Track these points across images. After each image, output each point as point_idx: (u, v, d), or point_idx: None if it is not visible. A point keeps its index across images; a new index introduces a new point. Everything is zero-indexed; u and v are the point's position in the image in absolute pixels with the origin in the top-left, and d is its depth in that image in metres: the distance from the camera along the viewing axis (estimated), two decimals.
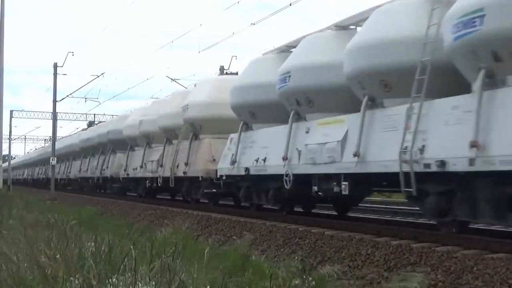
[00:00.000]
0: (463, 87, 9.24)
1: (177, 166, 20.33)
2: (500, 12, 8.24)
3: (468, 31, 8.58)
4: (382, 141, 10.53)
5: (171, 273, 5.36)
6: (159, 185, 22.50)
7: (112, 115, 42.40)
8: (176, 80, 36.54)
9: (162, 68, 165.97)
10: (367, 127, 10.97)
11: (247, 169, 15.16)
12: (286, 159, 13.36)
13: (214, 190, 18.10)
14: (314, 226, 12.16)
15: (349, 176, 11.46)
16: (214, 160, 18.16)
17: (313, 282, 6.45)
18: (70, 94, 44.97)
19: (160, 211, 18.97)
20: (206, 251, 6.72)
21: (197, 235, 13.37)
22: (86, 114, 61.63)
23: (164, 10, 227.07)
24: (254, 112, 15.63)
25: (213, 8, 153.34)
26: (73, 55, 39.33)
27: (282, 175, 13.41)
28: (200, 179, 18.59)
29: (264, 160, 14.43)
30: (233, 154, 16.03)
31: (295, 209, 15.68)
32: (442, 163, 8.86)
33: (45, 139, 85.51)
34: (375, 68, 10.67)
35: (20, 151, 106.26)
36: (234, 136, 16.46)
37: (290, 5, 19.47)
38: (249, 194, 15.94)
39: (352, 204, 14.91)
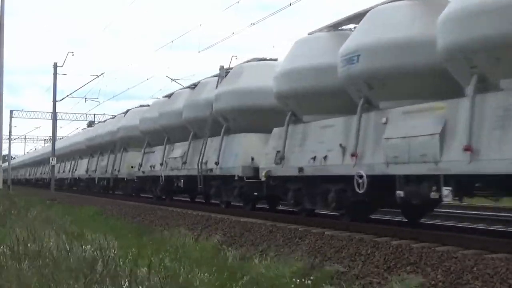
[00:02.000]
0: None
1: (206, 163, 18.07)
2: None
3: None
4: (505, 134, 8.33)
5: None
6: (181, 186, 20.39)
7: (112, 115, 41.95)
8: (176, 80, 36.48)
9: (162, 68, 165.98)
10: (478, 116, 8.69)
11: (300, 169, 12.92)
12: (355, 156, 11.12)
13: (256, 194, 15.96)
14: (314, 226, 12.15)
15: (453, 178, 9.16)
16: (252, 158, 15.84)
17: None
18: (70, 94, 44.99)
19: (161, 211, 18.95)
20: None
21: (197, 235, 13.37)
22: (86, 114, 61.77)
23: (164, 10, 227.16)
24: (305, 101, 13.17)
25: (212, 8, 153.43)
26: (73, 55, 39.36)
27: (347, 176, 11.32)
28: (235, 178, 16.11)
29: (325, 158, 12.03)
30: (278, 151, 13.77)
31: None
32: None
33: (45, 139, 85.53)
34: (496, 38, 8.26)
35: (20, 151, 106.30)
36: (280, 130, 14.13)
37: (290, 5, 19.47)
38: (300, 198, 13.55)
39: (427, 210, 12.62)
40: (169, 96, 23.79)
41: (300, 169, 12.86)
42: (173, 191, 22.44)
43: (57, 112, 42.66)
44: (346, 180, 11.32)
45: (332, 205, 12.25)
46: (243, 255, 10.53)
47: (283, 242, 11.14)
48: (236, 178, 16.00)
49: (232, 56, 37.07)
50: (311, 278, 7.79)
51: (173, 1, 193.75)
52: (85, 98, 45.70)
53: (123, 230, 14.79)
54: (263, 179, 14.27)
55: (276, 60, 17.31)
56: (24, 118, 67.05)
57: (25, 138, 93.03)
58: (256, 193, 16.03)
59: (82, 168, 37.30)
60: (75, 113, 64.70)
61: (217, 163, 17.21)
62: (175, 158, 20.88)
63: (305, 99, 13.13)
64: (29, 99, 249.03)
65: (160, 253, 9.79)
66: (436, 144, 9.22)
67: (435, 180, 9.31)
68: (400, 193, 10.12)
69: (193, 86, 21.31)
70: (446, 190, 9.09)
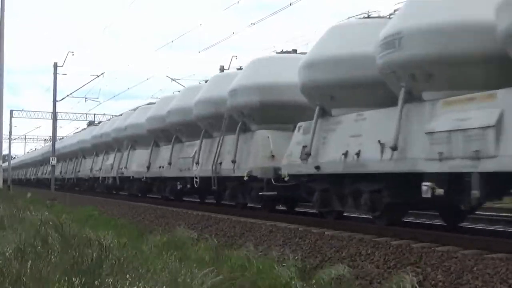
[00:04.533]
0: None
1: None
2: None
3: None
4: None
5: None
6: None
7: (112, 115, 41.70)
8: (177, 80, 36.51)
9: (162, 68, 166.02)
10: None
11: None
12: None
13: None
14: (314, 226, 12.15)
15: None
16: None
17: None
18: (70, 94, 45.07)
19: (160, 211, 18.94)
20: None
21: (198, 235, 13.36)
22: (86, 114, 61.83)
23: (164, 10, 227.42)
24: None
25: (212, 8, 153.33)
26: (73, 55, 39.50)
27: None
28: None
29: None
30: None
31: None
32: None
33: (45, 139, 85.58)
34: None
35: (20, 151, 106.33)
36: None
37: (290, 5, 19.51)
38: None
39: None
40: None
41: None
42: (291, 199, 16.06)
43: (57, 112, 42.68)
44: None
45: None
46: (242, 255, 10.53)
47: (283, 242, 11.14)
48: None
49: (233, 56, 37.11)
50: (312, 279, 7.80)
51: (173, 1, 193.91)
52: (85, 98, 45.83)
53: (124, 229, 14.80)
54: None
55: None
56: (24, 118, 67.27)
57: (25, 138, 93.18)
58: None
59: (137, 161, 26.14)
60: (75, 113, 64.79)
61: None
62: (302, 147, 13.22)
63: None
64: (29, 99, 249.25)
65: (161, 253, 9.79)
66: None
67: None
68: None
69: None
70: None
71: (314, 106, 13.14)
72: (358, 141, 11.46)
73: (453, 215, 11.69)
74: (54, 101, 39.33)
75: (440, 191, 9.53)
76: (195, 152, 19.17)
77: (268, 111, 15.86)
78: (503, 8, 8.34)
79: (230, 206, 18.82)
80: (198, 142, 19.26)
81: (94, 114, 60.48)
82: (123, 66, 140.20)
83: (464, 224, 13.32)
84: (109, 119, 35.88)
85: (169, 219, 16.94)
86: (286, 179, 13.77)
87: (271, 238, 11.69)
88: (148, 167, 24.00)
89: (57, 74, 38.82)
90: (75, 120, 64.32)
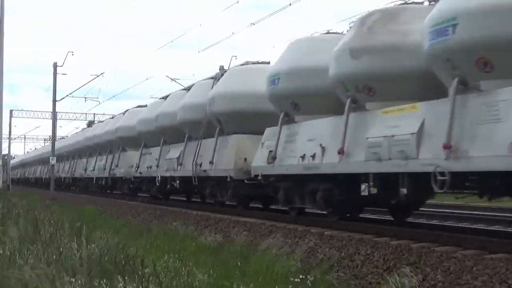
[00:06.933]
0: None
1: None
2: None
3: None
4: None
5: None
6: None
7: (112, 115, 41.37)
8: (176, 80, 36.42)
9: (161, 68, 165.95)
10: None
11: None
12: None
13: None
14: (313, 226, 12.14)
15: None
16: None
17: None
18: (70, 93, 44.96)
19: (160, 211, 18.93)
20: None
21: (197, 234, 13.38)
22: (86, 113, 61.77)
23: (163, 10, 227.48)
24: None
25: (212, 8, 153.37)
26: (72, 54, 39.25)
27: None
28: None
29: None
30: None
31: None
32: None
33: (44, 139, 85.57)
34: None
35: (19, 150, 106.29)
36: None
37: (290, 5, 19.49)
38: None
39: None
40: None
41: None
42: None
43: (57, 112, 42.61)
44: None
45: None
46: (242, 254, 10.54)
47: (283, 242, 11.14)
48: None
49: (232, 56, 36.98)
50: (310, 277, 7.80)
51: (173, 1, 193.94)
52: (85, 98, 45.75)
53: (124, 229, 14.81)
54: None
55: None
56: (24, 117, 67.23)
57: (24, 138, 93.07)
58: None
59: (229, 153, 16.33)
60: (75, 113, 64.69)
61: None
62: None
63: None
64: (28, 98, 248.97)
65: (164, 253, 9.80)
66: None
67: None
68: None
69: None
70: None
71: None
72: None
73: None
74: (54, 100, 39.22)
75: None
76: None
77: None
78: None
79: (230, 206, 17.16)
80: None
81: (94, 114, 60.45)
82: (122, 66, 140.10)
83: (464, 224, 13.35)
84: (163, 97, 24.12)
85: (168, 218, 16.94)
86: None
87: (270, 238, 11.69)
88: (274, 159, 13.54)
89: (57, 74, 38.69)
90: (74, 120, 64.31)
